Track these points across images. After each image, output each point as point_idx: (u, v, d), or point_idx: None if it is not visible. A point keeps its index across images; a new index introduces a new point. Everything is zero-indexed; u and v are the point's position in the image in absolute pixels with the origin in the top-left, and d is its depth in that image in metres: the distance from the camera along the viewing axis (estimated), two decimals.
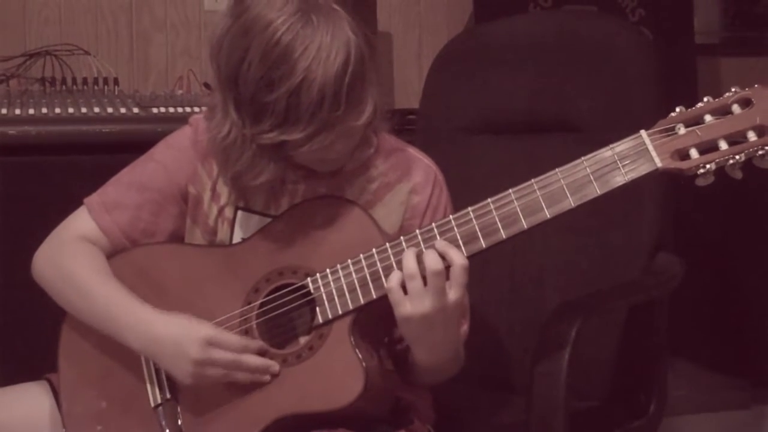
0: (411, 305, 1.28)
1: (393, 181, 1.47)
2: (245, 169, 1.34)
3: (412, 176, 1.48)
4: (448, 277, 1.28)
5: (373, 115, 1.32)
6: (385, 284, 1.30)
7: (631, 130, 1.29)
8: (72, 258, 1.45)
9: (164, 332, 1.36)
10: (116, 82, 2.41)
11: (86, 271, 1.44)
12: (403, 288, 1.28)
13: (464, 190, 1.53)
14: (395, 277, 1.29)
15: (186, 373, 1.34)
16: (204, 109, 1.44)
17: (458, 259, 1.28)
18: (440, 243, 1.29)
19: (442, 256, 1.28)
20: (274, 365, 1.34)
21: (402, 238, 1.33)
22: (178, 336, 1.34)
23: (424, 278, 1.27)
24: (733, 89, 1.26)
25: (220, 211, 1.48)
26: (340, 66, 1.25)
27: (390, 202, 1.47)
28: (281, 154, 1.32)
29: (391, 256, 1.32)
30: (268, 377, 1.34)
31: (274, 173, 1.34)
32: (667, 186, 1.71)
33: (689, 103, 1.29)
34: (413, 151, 1.51)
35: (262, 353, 1.35)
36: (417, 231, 1.33)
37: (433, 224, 1.32)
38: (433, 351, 1.35)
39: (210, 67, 1.36)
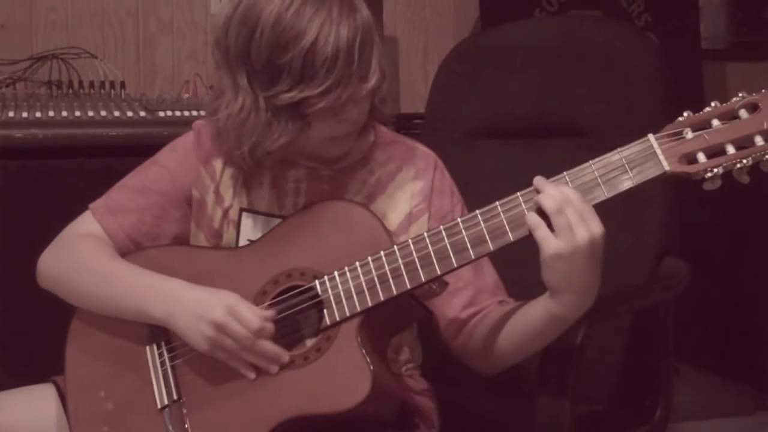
0: (560, 239, 1.25)
1: (393, 171, 1.49)
2: (263, 136, 1.35)
3: (412, 164, 1.50)
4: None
5: (380, 82, 1.36)
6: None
7: (636, 135, 1.29)
8: (83, 250, 1.46)
9: (189, 294, 1.37)
10: (123, 85, 2.42)
11: (102, 257, 1.45)
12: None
13: (470, 194, 1.53)
14: (534, 215, 1.27)
15: (204, 337, 1.33)
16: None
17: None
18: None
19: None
20: (284, 354, 1.33)
21: (410, 240, 1.33)
22: (204, 298, 1.35)
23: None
24: (740, 94, 1.27)
25: (225, 213, 1.49)
26: (352, 26, 1.31)
27: (394, 193, 1.48)
28: (297, 112, 1.33)
29: (399, 259, 1.33)
30: (276, 368, 1.34)
31: (292, 134, 1.35)
32: (673, 190, 1.71)
33: (695, 108, 1.29)
34: (410, 141, 1.54)
35: None
36: (425, 234, 1.33)
37: (441, 227, 1.33)
38: (582, 294, 1.31)
39: (216, 55, 1.38)
